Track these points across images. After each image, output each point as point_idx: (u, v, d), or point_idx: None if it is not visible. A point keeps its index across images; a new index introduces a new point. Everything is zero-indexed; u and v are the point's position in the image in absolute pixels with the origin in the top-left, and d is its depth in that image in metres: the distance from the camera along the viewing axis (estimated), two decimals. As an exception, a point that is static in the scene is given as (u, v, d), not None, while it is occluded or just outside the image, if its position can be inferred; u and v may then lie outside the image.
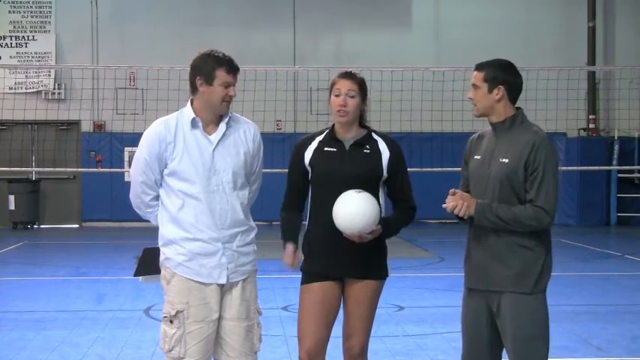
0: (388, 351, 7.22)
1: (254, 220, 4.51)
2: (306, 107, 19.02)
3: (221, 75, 4.29)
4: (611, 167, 19.19)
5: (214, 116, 4.37)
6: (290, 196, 4.80)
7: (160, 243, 4.40)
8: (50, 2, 19.79)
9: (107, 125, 19.65)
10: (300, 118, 18.70)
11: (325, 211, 4.50)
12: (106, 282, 11.25)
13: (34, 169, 19.27)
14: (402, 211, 4.72)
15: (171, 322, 4.28)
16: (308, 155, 4.69)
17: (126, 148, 18.91)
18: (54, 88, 19.51)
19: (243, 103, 12.30)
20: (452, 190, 4.24)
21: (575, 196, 19.40)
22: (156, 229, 4.44)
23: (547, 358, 4.23)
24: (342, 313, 4.73)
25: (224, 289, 4.35)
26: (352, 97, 4.60)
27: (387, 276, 4.73)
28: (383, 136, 4.72)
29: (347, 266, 4.62)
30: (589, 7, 20.26)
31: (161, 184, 4.37)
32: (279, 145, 16.55)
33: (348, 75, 4.66)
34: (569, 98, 17.52)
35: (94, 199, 19.54)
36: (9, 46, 19.73)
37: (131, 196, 4.46)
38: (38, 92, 19.38)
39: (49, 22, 19.82)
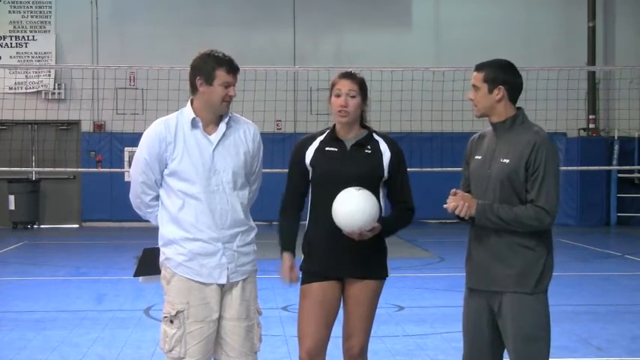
0: (388, 351, 7.21)
1: (254, 220, 4.51)
2: (306, 107, 19.00)
3: (221, 75, 4.29)
4: (611, 167, 19.19)
5: (214, 116, 4.37)
6: (290, 196, 4.79)
7: (160, 243, 4.40)
8: (50, 2, 19.78)
9: (107, 125, 19.64)
10: (300, 118, 18.70)
11: (325, 211, 4.49)
12: (106, 282, 11.25)
13: (34, 169, 19.27)
14: (401, 212, 4.71)
15: (171, 322, 4.28)
16: (309, 155, 4.69)
17: (126, 148, 18.90)
18: (54, 88, 19.51)
19: (243, 103, 12.31)
20: (453, 191, 4.24)
21: (575, 196, 19.39)
22: (156, 229, 4.44)
23: (548, 358, 4.22)
24: (342, 313, 4.72)
25: (224, 289, 4.34)
26: (353, 97, 4.60)
27: (387, 276, 4.73)
28: (383, 136, 4.72)
29: (347, 266, 4.61)
30: (589, 7, 20.26)
31: (161, 184, 4.37)
32: (279, 145, 16.52)
33: (348, 75, 4.65)
34: (569, 98, 17.51)
35: (94, 199, 19.54)
36: (9, 46, 19.72)
37: (131, 196, 4.46)
38: (38, 92, 19.38)
39: (49, 22, 19.82)
